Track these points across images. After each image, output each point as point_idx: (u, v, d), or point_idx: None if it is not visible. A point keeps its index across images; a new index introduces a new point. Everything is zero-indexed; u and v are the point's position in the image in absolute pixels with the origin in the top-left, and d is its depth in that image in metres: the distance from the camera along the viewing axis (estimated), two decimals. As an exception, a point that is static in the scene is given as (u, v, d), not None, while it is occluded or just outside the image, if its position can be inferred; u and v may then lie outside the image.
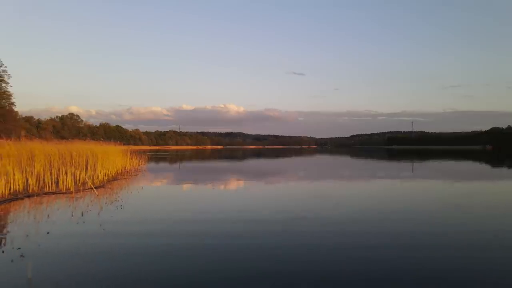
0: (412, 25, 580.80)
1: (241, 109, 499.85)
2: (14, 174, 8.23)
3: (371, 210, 6.84)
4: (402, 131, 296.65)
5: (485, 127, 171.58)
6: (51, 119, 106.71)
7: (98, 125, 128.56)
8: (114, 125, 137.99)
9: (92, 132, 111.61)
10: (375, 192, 9.74)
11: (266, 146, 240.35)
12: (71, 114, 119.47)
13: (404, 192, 9.96)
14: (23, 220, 5.88)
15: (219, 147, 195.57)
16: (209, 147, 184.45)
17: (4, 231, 5.20)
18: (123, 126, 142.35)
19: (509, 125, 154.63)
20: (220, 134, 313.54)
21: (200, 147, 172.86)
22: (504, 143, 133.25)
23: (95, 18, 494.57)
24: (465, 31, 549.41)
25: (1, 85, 43.87)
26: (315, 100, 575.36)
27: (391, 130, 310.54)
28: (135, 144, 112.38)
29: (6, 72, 44.89)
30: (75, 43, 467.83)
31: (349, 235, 4.94)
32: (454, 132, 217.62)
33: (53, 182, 9.56)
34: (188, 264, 3.79)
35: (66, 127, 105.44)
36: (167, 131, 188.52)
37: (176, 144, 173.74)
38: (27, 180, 9.02)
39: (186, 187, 11.06)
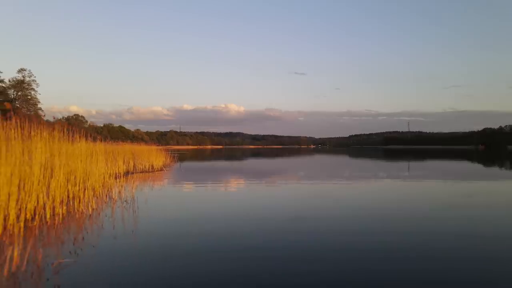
0: (413, 25, 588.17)
1: (242, 109, 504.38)
2: (117, 161, 13.00)
3: (370, 208, 7.10)
4: (400, 131, 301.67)
5: (484, 127, 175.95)
6: (58, 120, 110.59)
7: (102, 125, 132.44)
8: (117, 125, 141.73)
9: (97, 132, 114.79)
10: (370, 190, 10.35)
11: (265, 146, 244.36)
12: (76, 115, 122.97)
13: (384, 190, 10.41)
14: (144, 182, 11.06)
15: (219, 147, 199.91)
16: (209, 147, 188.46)
17: (135, 188, 10.24)
18: (124, 126, 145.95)
19: (500, 126, 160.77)
20: (219, 134, 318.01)
21: (201, 146, 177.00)
22: (495, 143, 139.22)
23: (95, 17, 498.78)
24: (466, 30, 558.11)
25: (30, 93, 48.28)
26: (316, 100, 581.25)
27: (389, 130, 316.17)
28: (138, 144, 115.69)
29: (35, 81, 49.54)
30: (75, 42, 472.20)
31: (350, 234, 4.98)
32: (450, 132, 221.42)
33: (137, 167, 15.59)
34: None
35: (72, 128, 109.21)
36: (168, 131, 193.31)
37: (177, 144, 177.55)
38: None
39: (210, 172, 16.27)
